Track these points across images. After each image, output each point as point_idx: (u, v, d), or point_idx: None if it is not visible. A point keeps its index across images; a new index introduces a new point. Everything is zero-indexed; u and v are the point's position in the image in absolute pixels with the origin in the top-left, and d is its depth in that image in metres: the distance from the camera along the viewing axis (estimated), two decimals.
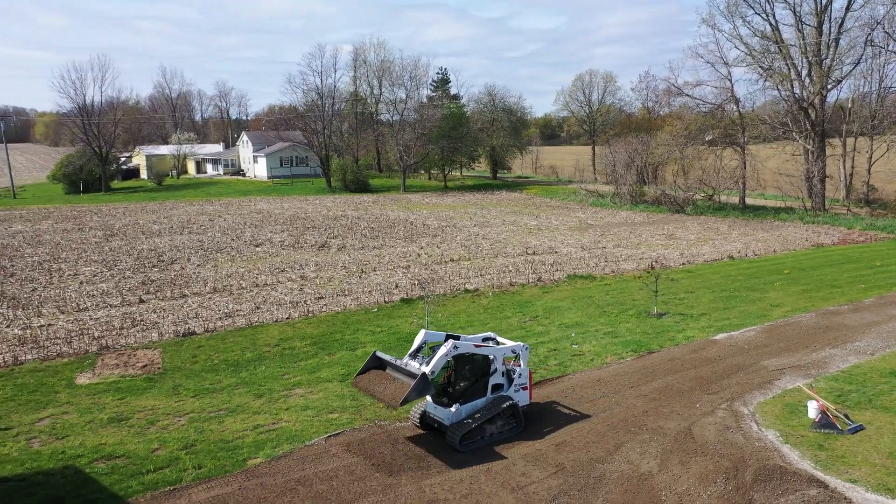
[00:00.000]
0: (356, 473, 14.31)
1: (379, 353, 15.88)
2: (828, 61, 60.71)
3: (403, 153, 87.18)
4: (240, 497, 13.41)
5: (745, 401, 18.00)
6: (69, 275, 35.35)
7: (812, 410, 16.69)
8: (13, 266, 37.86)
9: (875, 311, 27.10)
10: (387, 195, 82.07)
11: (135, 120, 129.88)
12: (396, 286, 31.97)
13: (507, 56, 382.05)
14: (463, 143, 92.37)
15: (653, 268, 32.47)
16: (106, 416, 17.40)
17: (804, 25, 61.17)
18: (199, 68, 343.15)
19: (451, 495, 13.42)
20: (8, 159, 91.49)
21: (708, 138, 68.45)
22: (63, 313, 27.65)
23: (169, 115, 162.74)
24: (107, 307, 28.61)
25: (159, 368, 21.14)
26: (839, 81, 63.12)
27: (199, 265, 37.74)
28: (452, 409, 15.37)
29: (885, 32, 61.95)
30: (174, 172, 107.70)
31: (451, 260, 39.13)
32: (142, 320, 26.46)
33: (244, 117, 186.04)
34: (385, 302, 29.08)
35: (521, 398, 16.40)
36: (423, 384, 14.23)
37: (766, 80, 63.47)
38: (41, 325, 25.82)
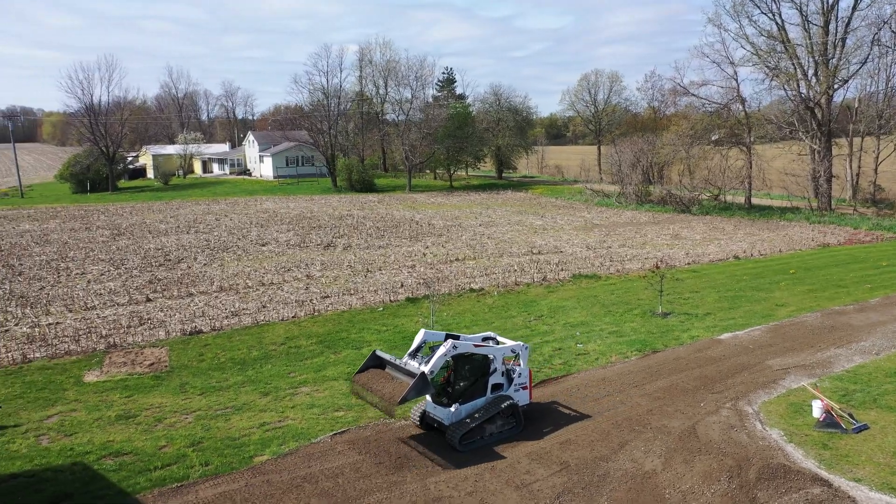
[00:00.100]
0: (362, 471, 14.41)
1: (378, 352, 15.93)
2: (834, 61, 60.52)
3: (409, 153, 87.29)
4: (246, 494, 13.52)
5: (749, 400, 18.03)
6: (77, 274, 35.58)
7: (816, 410, 16.71)
8: (21, 265, 38.13)
9: (881, 311, 27.06)
10: (392, 195, 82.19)
11: (141, 120, 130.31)
12: (402, 285, 32.07)
13: (512, 56, 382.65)
14: (468, 142, 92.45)
15: (658, 267, 32.46)
16: (114, 414, 17.55)
17: (810, 25, 61.01)
18: (205, 68, 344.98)
19: (455, 493, 13.51)
20: (16, 159, 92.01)
21: (714, 138, 68.29)
22: (71, 312, 27.86)
23: (175, 115, 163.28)
24: (114, 306, 28.81)
25: (166, 366, 21.30)
26: (846, 81, 62.95)
27: (205, 264, 37.93)
28: (452, 408, 15.39)
29: (892, 32, 61.83)
30: (180, 172, 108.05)
31: (457, 259, 39.22)
32: (149, 319, 26.64)
33: (250, 117, 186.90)
34: (390, 301, 29.19)
35: (521, 398, 16.40)
36: (421, 383, 14.25)
37: (772, 80, 63.35)
38: (49, 324, 26.03)
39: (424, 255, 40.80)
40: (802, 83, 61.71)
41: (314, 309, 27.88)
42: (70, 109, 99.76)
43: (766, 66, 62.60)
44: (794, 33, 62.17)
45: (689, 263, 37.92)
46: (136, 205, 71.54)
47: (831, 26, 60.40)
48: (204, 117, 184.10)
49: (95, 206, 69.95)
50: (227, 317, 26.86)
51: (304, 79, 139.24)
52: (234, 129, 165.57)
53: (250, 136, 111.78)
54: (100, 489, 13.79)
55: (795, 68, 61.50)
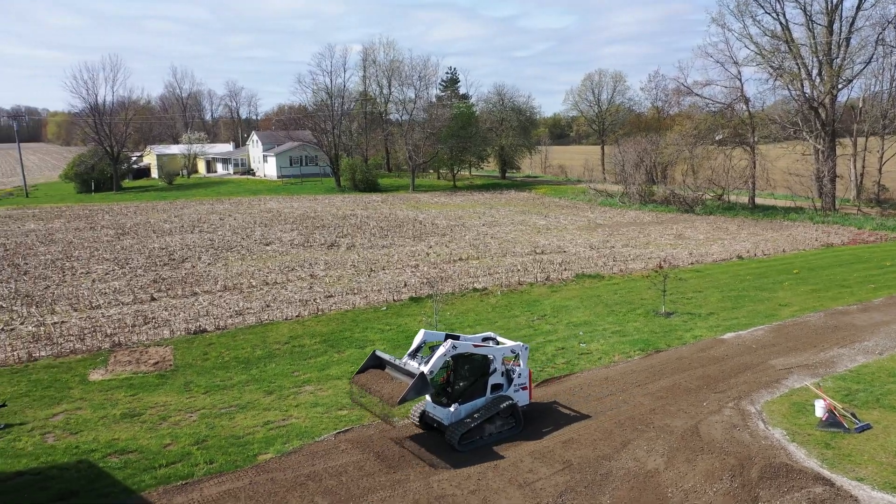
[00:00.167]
0: (365, 469, 14.48)
1: (378, 352, 15.97)
2: (838, 60, 60.40)
3: (412, 153, 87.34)
4: (250, 491, 13.60)
5: (752, 399, 18.05)
6: (82, 273, 35.72)
7: (819, 409, 16.73)
8: (27, 264, 38.29)
9: (884, 311, 27.04)
10: (396, 194, 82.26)
11: (146, 119, 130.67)
12: (405, 285, 32.14)
13: (516, 56, 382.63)
14: (472, 142, 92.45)
15: (661, 267, 32.48)
16: (119, 412, 17.65)
17: (815, 24, 60.91)
18: (209, 68, 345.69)
19: (458, 491, 13.56)
20: (21, 158, 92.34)
21: (718, 138, 68.17)
22: (76, 311, 27.99)
23: (179, 115, 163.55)
24: (119, 305, 28.93)
25: (171, 365, 21.40)
26: (850, 81, 62.78)
27: (209, 264, 38.05)
28: (451, 408, 15.40)
29: None
30: (185, 172, 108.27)
31: (460, 259, 39.27)
32: (153, 318, 26.76)
33: (254, 117, 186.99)
34: (394, 300, 29.26)
35: (521, 398, 16.41)
36: (421, 383, 14.27)
37: (776, 80, 63.21)
38: (55, 323, 26.16)
39: (428, 254, 40.86)
40: (806, 83, 61.62)
41: (318, 308, 27.97)
42: (75, 109, 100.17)
43: (770, 66, 62.54)
44: (798, 33, 62.16)
45: (692, 263, 37.92)
46: (140, 204, 71.74)
47: (835, 26, 60.30)
48: (208, 117, 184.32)
49: (100, 206, 70.17)
50: (231, 316, 26.97)
51: (308, 79, 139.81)
52: (237, 128, 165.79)
53: (254, 136, 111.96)
54: (105, 487, 13.88)
55: (799, 68, 61.40)
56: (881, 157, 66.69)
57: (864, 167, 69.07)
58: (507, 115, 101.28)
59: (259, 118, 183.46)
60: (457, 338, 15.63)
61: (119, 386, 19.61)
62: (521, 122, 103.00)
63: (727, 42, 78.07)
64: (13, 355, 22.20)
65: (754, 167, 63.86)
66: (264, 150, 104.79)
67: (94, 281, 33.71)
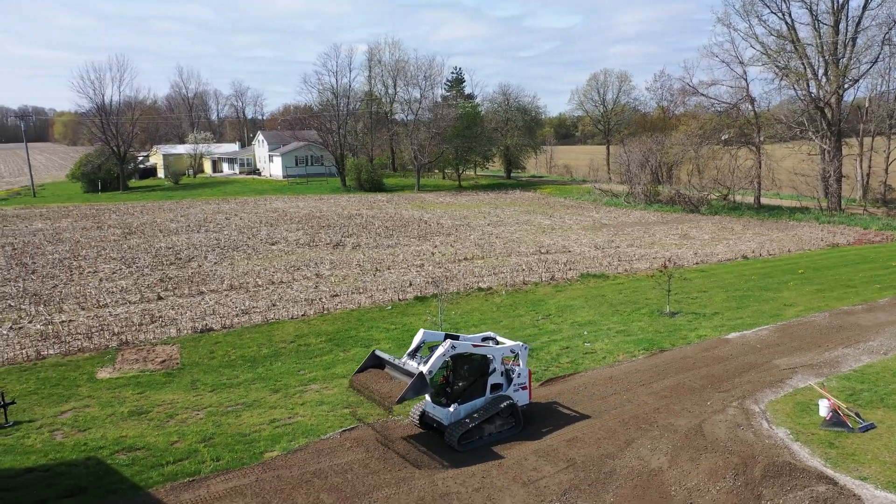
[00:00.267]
0: (370, 467, 14.58)
1: (378, 352, 16.04)
2: (844, 60, 60.26)
3: (418, 152, 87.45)
4: (257, 488, 13.72)
5: (756, 399, 18.10)
6: (89, 272, 35.95)
7: (823, 409, 16.76)
8: (34, 263, 38.54)
9: (889, 311, 27.01)
10: (401, 194, 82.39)
11: (152, 119, 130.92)
12: (410, 284, 32.25)
13: (521, 55, 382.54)
14: (477, 142, 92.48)
15: (666, 267, 32.51)
16: (126, 410, 17.81)
17: (820, 24, 60.76)
18: (215, 68, 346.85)
19: (463, 489, 13.66)
20: (28, 158, 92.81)
21: (723, 138, 68.04)
22: (83, 309, 28.18)
23: (185, 115, 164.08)
24: (126, 304, 29.12)
25: (178, 364, 21.55)
26: (856, 81, 62.66)
27: (215, 263, 38.23)
28: (451, 408, 15.45)
29: None
30: (191, 171, 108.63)
31: (465, 259, 39.36)
32: (160, 317, 26.93)
33: (260, 117, 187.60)
34: (399, 300, 29.37)
35: (521, 398, 16.44)
36: (420, 383, 14.33)
37: (781, 80, 63.13)
38: (62, 321, 26.36)
39: (433, 254, 40.96)
40: (812, 83, 61.51)
41: (323, 307, 28.10)
42: (81, 109, 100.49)
43: (776, 66, 62.43)
44: (804, 33, 62.07)
45: (697, 263, 37.93)
46: (146, 204, 72.04)
47: (841, 26, 60.16)
48: (214, 117, 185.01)
49: (107, 206, 70.49)
50: (237, 315, 27.12)
51: (314, 79, 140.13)
52: (243, 128, 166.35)
53: (260, 136, 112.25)
54: (113, 483, 14.02)
55: (805, 68, 61.28)
56: (887, 157, 66.49)
57: (870, 167, 68.90)
58: (512, 114, 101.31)
59: (265, 118, 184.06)
60: (456, 338, 15.68)
61: (126, 384, 19.77)
62: (527, 122, 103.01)
63: (733, 42, 78.45)
64: (22, 353, 22.39)
65: (760, 167, 63.76)
66: (270, 150, 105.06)
67: (101, 280, 33.92)
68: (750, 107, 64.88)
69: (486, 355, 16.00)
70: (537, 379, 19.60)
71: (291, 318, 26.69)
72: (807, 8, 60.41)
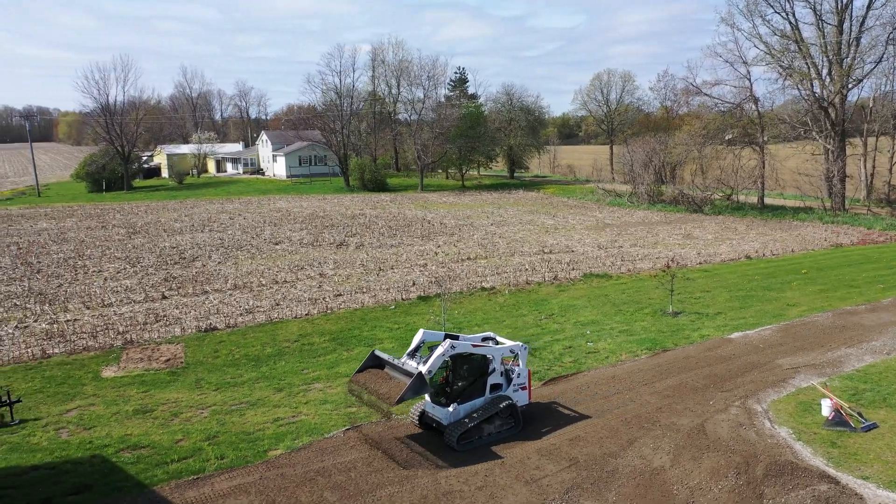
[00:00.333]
0: (374, 465, 14.65)
1: (377, 352, 16.08)
2: (848, 60, 60.13)
3: (421, 152, 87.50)
4: (261, 486, 13.81)
5: (758, 398, 18.13)
6: (94, 271, 36.09)
7: (825, 408, 16.79)
8: (39, 262, 38.70)
9: (893, 312, 27.00)
10: (404, 194, 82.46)
11: (156, 119, 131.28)
12: (414, 284, 32.32)
13: (524, 55, 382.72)
14: (480, 142, 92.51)
15: (669, 267, 32.54)
16: (131, 408, 17.91)
17: (824, 24, 60.65)
18: (218, 68, 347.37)
19: (466, 487, 13.72)
20: (33, 158, 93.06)
21: (727, 138, 67.99)
22: (88, 308, 28.31)
23: (189, 115, 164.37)
24: (130, 303, 29.25)
25: (182, 362, 21.66)
26: (860, 80, 62.46)
27: (219, 262, 38.36)
28: (450, 408, 15.49)
29: None
30: (195, 171, 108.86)
31: (468, 258, 39.42)
32: (165, 316, 27.04)
33: (263, 117, 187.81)
34: (402, 299, 29.44)
35: (520, 398, 16.46)
36: (419, 383, 14.37)
37: (785, 80, 63.03)
38: (68, 320, 26.49)
39: (436, 253, 41.03)
40: (816, 83, 61.39)
41: (327, 307, 28.18)
42: (86, 109, 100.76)
43: (780, 66, 62.34)
44: (808, 32, 61.89)
45: (700, 263, 37.92)
46: (151, 204, 72.24)
47: (845, 25, 60.02)
48: (218, 117, 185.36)
49: (111, 205, 70.71)
50: (241, 314, 27.22)
51: (317, 79, 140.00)
52: (247, 128, 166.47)
53: (263, 136, 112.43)
54: (118, 481, 14.12)
55: (809, 68, 61.19)
56: (892, 157, 66.32)
57: (874, 167, 68.74)
58: (515, 114, 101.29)
59: (268, 118, 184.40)
60: (456, 338, 15.71)
61: (131, 382, 19.88)
62: (530, 121, 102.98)
63: (736, 41, 77.84)
64: (27, 352, 22.52)
65: (763, 167, 63.67)
66: (274, 150, 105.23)
67: (105, 279, 34.06)
68: (753, 107, 64.86)
69: (485, 355, 16.03)
70: (540, 378, 19.67)
71: (295, 317, 26.78)
72: (810, 7, 60.33)
